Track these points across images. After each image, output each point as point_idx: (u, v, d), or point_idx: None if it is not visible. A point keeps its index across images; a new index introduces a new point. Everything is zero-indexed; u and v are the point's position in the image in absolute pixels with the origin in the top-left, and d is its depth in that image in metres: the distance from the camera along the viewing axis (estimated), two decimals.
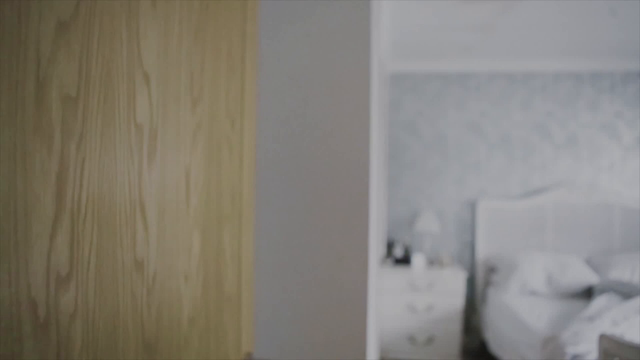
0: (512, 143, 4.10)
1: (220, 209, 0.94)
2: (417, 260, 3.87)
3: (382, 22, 2.92)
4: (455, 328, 3.66)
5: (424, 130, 4.18)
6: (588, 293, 3.51)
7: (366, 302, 1.46)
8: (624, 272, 3.57)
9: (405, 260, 3.92)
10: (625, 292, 3.19)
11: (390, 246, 4.03)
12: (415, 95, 4.19)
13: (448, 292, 3.67)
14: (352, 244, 1.45)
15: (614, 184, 4.03)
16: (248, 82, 1.12)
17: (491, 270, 3.95)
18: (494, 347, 3.42)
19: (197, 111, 0.83)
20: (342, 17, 1.38)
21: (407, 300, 3.69)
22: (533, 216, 4.00)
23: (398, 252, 3.96)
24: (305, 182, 1.50)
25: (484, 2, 2.79)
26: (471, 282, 4.09)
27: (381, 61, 2.70)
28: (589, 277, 3.53)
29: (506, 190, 4.10)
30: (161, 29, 0.67)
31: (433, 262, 3.97)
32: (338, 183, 1.49)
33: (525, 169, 4.09)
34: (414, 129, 4.20)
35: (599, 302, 3.05)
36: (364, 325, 1.45)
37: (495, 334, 3.43)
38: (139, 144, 0.60)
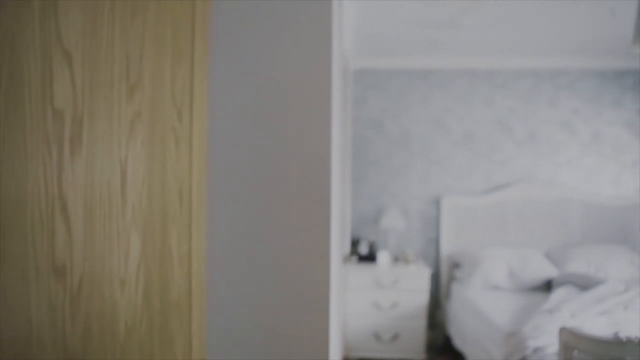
0: (475, 139, 4.14)
1: (165, 207, 0.87)
2: (382, 257, 3.86)
3: (345, 17, 2.88)
4: (420, 324, 3.67)
5: (389, 127, 4.18)
6: (548, 286, 3.59)
7: (328, 301, 1.41)
8: (580, 264, 3.66)
9: (370, 258, 3.90)
10: (582, 284, 3.27)
11: (355, 243, 4.01)
12: (380, 92, 4.18)
13: (413, 289, 3.68)
14: (313, 242, 1.41)
15: (572, 179, 4.13)
16: (198, 72, 1.04)
17: (455, 265, 3.99)
18: (458, 342, 3.45)
19: (136, 99, 0.76)
20: (303, 11, 1.32)
21: (372, 297, 3.67)
22: (496, 212, 4.05)
23: (363, 249, 3.94)
24: (264, 179, 1.43)
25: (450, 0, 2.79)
26: (436, 278, 4.12)
27: (345, 57, 2.66)
28: (549, 271, 3.60)
29: (470, 186, 4.15)
30: (88, 6, 0.59)
31: (398, 258, 3.97)
32: (298, 180, 1.43)
33: (488, 165, 4.14)
34: (378, 125, 4.18)
35: (557, 294, 3.11)
36: (327, 324, 1.41)
37: (459, 329, 3.46)
38: (58, 132, 0.53)
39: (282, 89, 1.36)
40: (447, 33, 3.44)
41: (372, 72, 4.17)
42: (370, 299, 3.68)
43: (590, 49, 3.83)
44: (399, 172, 4.17)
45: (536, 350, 2.39)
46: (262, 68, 1.35)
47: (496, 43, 3.69)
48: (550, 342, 2.36)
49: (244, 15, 1.32)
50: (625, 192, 4.12)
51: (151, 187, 0.81)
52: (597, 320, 2.63)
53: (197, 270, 1.04)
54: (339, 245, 1.76)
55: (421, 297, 3.68)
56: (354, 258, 3.71)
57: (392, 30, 3.41)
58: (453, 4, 2.88)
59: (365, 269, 3.72)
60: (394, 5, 2.94)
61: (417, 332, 3.67)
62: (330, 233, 1.43)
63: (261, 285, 1.38)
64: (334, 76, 1.45)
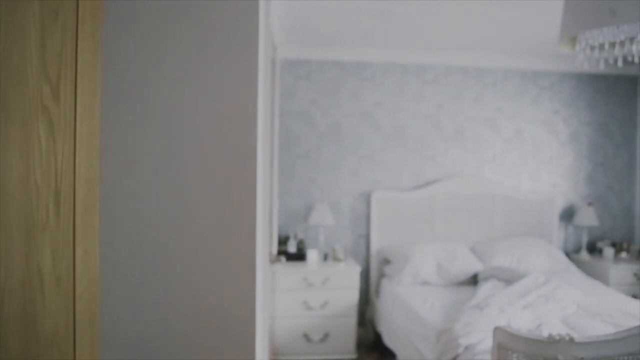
0: (406, 134, 4.12)
1: (30, 213, 0.65)
2: (312, 255, 3.73)
3: (273, 5, 2.69)
4: (350, 322, 3.59)
5: (319, 120, 4.04)
6: (474, 280, 3.64)
7: (254, 305, 1.29)
8: (504, 258, 3.76)
9: (299, 256, 3.76)
10: (506, 278, 3.34)
11: (283, 242, 3.85)
12: (310, 84, 4.03)
13: (343, 287, 3.58)
14: (237, 242, 1.27)
15: (496, 174, 4.24)
16: (85, 39, 0.81)
17: (385, 261, 3.95)
18: (388, 340, 3.40)
19: None
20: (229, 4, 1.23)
21: (302, 297, 3.53)
22: (424, 207, 4.06)
23: (292, 247, 3.79)
24: (180, 175, 1.26)
25: None
26: (366, 275, 4.06)
27: (273, 46, 2.48)
28: (475, 265, 3.66)
29: (400, 181, 4.12)
30: None
31: (328, 256, 3.86)
32: (221, 176, 1.27)
33: (418, 160, 4.14)
34: (308, 118, 4.03)
35: (484, 289, 3.14)
36: (253, 329, 1.30)
37: (390, 326, 3.41)
38: None
39: (203, 79, 1.25)
40: (379, 25, 3.35)
41: (302, 63, 4.01)
42: (299, 299, 3.53)
43: (513, 49, 3.93)
44: (328, 167, 4.06)
45: (468, 347, 2.36)
46: (180, 57, 1.24)
47: (427, 38, 3.67)
48: (481, 339, 2.35)
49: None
50: (541, 187, 4.30)
51: (6, 189, 0.58)
52: (523, 314, 2.67)
53: (85, 294, 0.81)
54: (265, 244, 1.60)
55: (351, 295, 3.60)
56: (282, 258, 3.55)
57: (323, 20, 3.27)
58: None
59: (294, 268, 3.57)
60: None
61: (347, 331, 3.58)
62: (256, 232, 1.30)
63: (179, 293, 1.26)
64: (261, 66, 1.33)
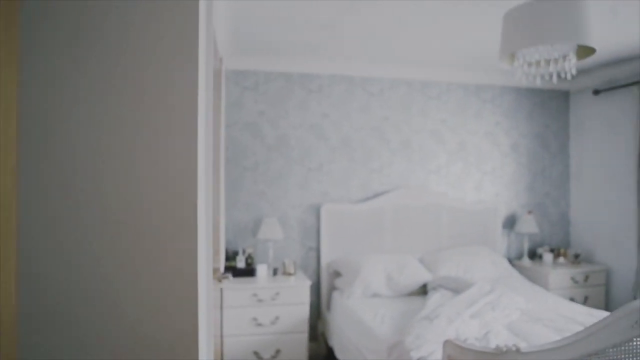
0: (353, 146, 4.14)
1: None
2: (261, 270, 3.65)
3: (218, 15, 2.63)
4: (302, 338, 3.52)
5: (267, 132, 3.98)
6: (424, 290, 3.68)
7: (197, 326, 1.21)
8: (451, 268, 3.83)
9: (248, 272, 3.66)
10: (454, 287, 3.40)
11: (232, 257, 3.74)
12: (257, 95, 3.97)
13: (294, 302, 3.52)
14: (178, 260, 1.19)
15: (441, 185, 4.34)
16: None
17: (336, 274, 3.92)
18: (341, 354, 3.36)
19: None
20: (167, 8, 1.18)
21: (252, 314, 3.44)
22: (373, 218, 4.08)
23: (240, 263, 3.69)
24: (114, 190, 1.16)
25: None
26: (317, 288, 4.02)
27: (218, 57, 2.41)
28: (424, 275, 3.70)
29: (349, 193, 4.12)
30: None
31: (278, 270, 3.78)
32: (158, 191, 1.19)
33: (365, 172, 4.16)
34: (256, 130, 3.96)
35: (433, 300, 3.18)
36: (196, 352, 1.21)
37: (341, 340, 3.38)
38: None
39: (138, 89, 1.18)
40: (325, 37, 3.35)
41: (248, 73, 3.94)
42: (249, 316, 3.43)
43: (456, 63, 4.05)
44: (277, 179, 4.00)
45: None
46: (115, 66, 1.16)
47: (372, 51, 3.71)
48: (432, 350, 2.36)
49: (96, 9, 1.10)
50: (485, 197, 4.44)
51: None
52: (471, 323, 2.71)
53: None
54: (210, 262, 1.52)
55: (302, 310, 3.54)
56: (229, 274, 3.43)
57: (269, 30, 3.23)
58: (331, 5, 2.78)
59: (243, 284, 3.47)
60: (270, 4, 2.76)
61: (299, 347, 3.51)
62: (198, 250, 1.22)
63: (115, 317, 1.14)
64: (202, 77, 1.26)
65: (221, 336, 3.35)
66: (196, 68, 1.21)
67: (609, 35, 3.26)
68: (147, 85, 1.16)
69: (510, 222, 4.48)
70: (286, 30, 3.23)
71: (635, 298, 3.79)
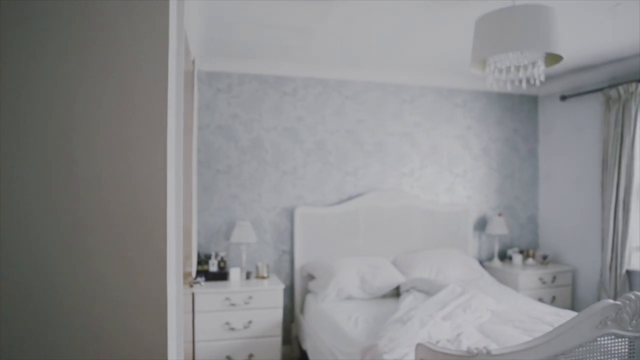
0: (327, 149, 4.14)
1: None
2: (234, 274, 3.61)
3: (190, 16, 2.59)
4: (275, 341, 3.49)
5: (240, 134, 3.95)
6: (397, 292, 3.70)
7: (166, 333, 1.18)
8: (423, 269, 3.87)
9: (221, 275, 3.62)
10: (426, 289, 3.43)
11: (204, 261, 3.68)
12: (230, 97, 3.93)
13: (267, 306, 3.49)
14: (146, 265, 1.17)
15: (414, 188, 4.38)
16: None
17: (310, 277, 3.91)
18: (314, 357, 3.35)
19: None
20: (136, 9, 1.16)
21: (225, 318, 3.39)
22: (347, 221, 4.09)
23: (213, 266, 3.64)
24: (78, 193, 1.13)
25: (301, 2, 2.67)
26: (290, 291, 4.00)
27: (190, 58, 2.37)
28: (397, 278, 3.73)
29: (322, 196, 4.12)
30: None
31: (251, 274, 3.75)
32: (125, 193, 1.16)
33: (339, 175, 4.16)
34: (229, 132, 3.92)
35: (406, 302, 3.20)
36: (165, 358, 1.17)
37: (315, 343, 3.36)
38: None
39: (105, 89, 1.15)
40: (299, 40, 3.34)
41: (221, 75, 3.90)
42: (221, 321, 3.39)
43: (429, 67, 4.10)
44: (250, 183, 3.96)
45: None
46: (81, 66, 1.13)
47: (346, 55, 3.72)
48: (405, 353, 2.37)
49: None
50: (457, 199, 4.50)
51: None
52: (443, 325, 2.74)
53: None
54: (179, 266, 1.49)
55: (276, 314, 3.51)
56: (202, 279, 3.38)
57: (242, 32, 3.20)
58: (305, 9, 2.78)
59: (216, 288, 3.42)
60: (244, 6, 2.73)
61: (272, 350, 3.49)
62: (167, 253, 1.20)
63: (79, 325, 1.13)
64: (172, 77, 1.24)
65: (193, 341, 3.29)
66: (166, 68, 1.19)
67: (576, 43, 3.35)
68: (114, 86, 1.14)
69: (481, 224, 4.56)
70: (260, 33, 3.21)
71: (599, 298, 3.91)
